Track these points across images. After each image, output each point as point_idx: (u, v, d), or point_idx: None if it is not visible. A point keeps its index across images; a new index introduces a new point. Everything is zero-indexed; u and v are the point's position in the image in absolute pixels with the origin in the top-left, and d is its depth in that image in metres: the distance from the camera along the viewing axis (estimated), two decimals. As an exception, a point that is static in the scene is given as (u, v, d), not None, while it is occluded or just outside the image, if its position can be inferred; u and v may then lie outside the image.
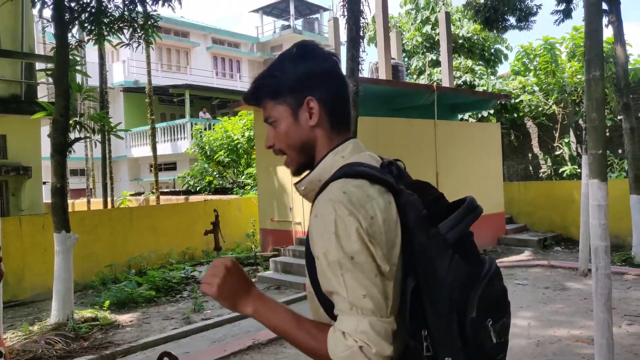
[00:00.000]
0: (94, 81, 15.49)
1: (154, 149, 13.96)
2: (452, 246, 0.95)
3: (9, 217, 9.12)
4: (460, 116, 12.73)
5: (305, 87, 1.08)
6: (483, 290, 0.94)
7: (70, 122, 6.69)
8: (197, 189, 15.96)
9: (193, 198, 14.16)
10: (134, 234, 9.98)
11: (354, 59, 4.02)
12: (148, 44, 9.46)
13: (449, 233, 0.96)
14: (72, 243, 6.26)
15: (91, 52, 19.17)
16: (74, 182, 22.01)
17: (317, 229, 0.98)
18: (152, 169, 14.67)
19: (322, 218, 0.97)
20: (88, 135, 7.65)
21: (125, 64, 22.74)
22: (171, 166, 22.05)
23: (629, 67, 9.54)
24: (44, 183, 11.08)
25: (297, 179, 1.17)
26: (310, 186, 1.11)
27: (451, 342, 0.93)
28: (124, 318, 6.95)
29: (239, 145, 14.92)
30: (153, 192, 15.01)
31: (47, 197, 8.56)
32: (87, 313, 6.53)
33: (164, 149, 20.58)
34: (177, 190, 17.55)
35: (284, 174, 9.98)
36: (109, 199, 13.61)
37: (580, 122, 12.33)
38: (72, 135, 6.92)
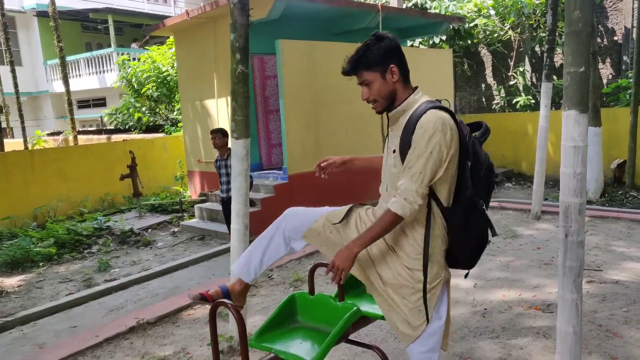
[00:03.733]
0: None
1: (66, 81, 12.22)
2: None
3: None
4: (409, 43, 11.61)
5: (388, 58, 1.97)
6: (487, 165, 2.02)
7: None
8: (127, 127, 14.41)
9: (116, 137, 12.70)
10: (37, 181, 8.67)
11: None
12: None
13: (481, 139, 2.02)
14: None
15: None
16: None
17: (421, 133, 1.85)
18: (69, 104, 12.88)
19: (426, 128, 1.85)
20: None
21: (36, -17, 19.78)
22: (100, 102, 20.02)
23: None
24: None
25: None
26: (397, 114, 2.01)
27: (481, 187, 1.98)
28: (12, 282, 5.88)
29: (169, 78, 13.30)
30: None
31: None
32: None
33: (90, 82, 18.52)
34: (101, 129, 15.88)
35: (210, 107, 8.72)
36: (19, 140, 11.99)
37: (537, 48, 11.50)
38: None
